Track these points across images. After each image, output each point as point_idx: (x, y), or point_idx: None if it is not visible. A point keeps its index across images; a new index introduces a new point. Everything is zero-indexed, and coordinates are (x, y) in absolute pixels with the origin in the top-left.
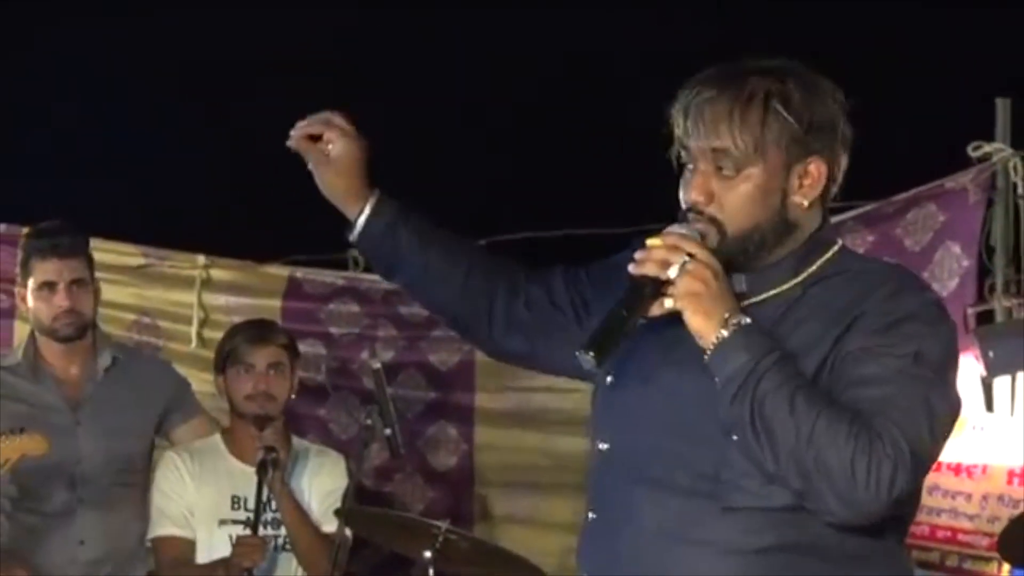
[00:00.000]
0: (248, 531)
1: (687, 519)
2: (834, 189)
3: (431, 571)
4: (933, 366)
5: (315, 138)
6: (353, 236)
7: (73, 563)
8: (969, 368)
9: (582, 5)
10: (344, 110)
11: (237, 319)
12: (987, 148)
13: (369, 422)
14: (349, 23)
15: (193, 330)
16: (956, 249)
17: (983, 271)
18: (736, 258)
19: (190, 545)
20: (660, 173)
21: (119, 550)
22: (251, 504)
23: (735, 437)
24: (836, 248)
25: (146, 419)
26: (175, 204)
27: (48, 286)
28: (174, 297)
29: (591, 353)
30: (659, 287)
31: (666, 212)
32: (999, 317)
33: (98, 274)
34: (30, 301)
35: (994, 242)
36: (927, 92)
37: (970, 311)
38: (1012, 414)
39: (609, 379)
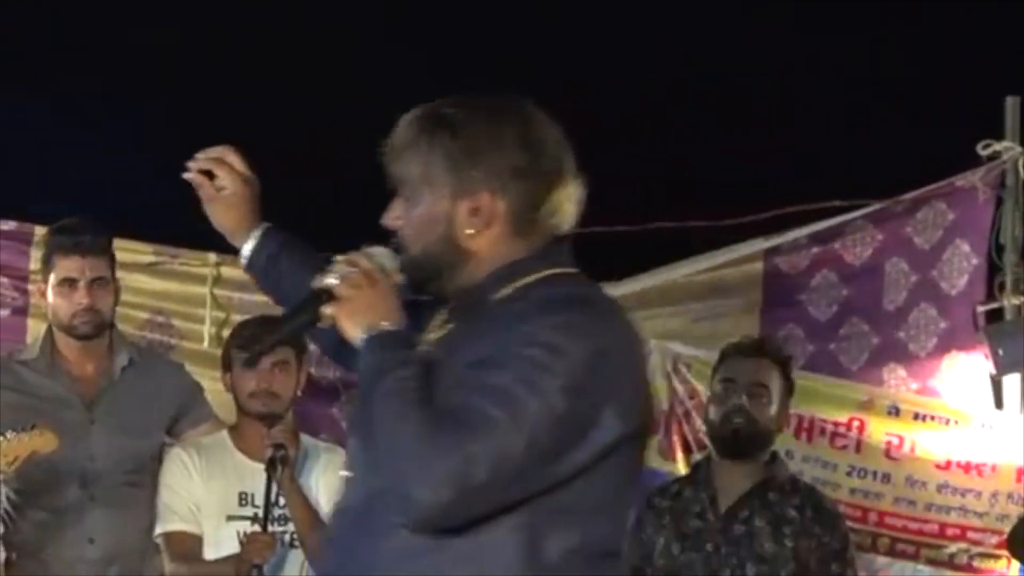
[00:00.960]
0: (257, 527)
1: (366, 542)
2: (550, 221)
3: None
4: (533, 381)
5: (211, 173)
6: (243, 266)
7: (82, 561)
8: (978, 366)
9: None
10: (239, 147)
11: (249, 317)
12: (996, 146)
13: None
14: (366, 17)
15: (206, 328)
16: (966, 247)
17: (993, 269)
18: (429, 281)
19: (198, 540)
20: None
21: (128, 549)
22: (258, 500)
23: (356, 438)
24: (534, 278)
25: (158, 420)
26: (186, 201)
27: (69, 283)
28: (186, 295)
29: (244, 354)
30: (328, 296)
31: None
32: (1008, 315)
33: None
34: (50, 297)
35: (1004, 240)
36: (936, 91)
37: (980, 309)
38: (1021, 412)
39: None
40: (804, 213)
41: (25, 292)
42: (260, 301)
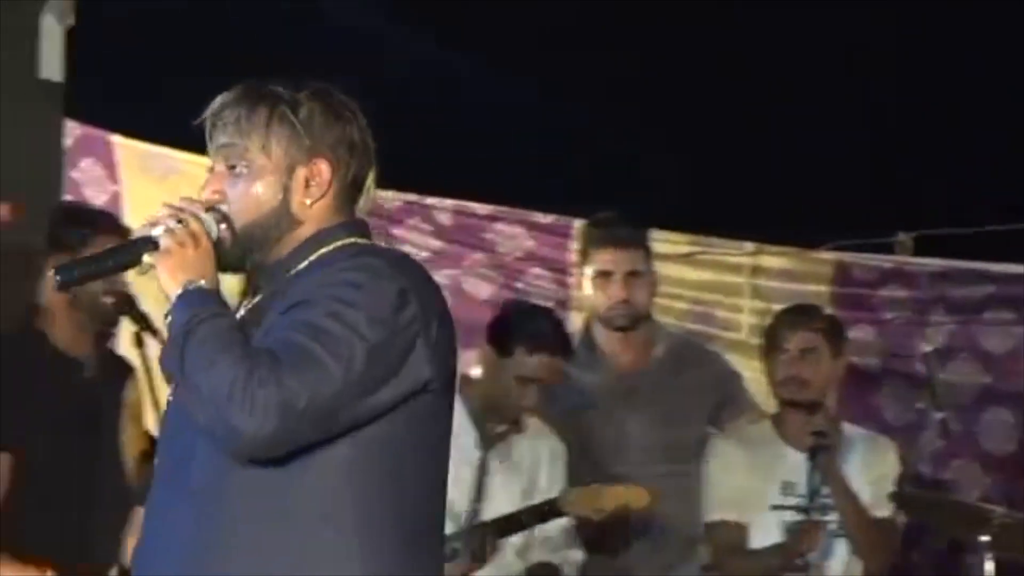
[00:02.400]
0: (800, 517)
1: (165, 510)
2: (361, 198)
3: (989, 557)
4: (343, 320)
5: None
6: None
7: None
8: None
9: None
10: None
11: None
12: None
13: (922, 407)
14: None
15: (744, 318)
16: None
17: None
18: (251, 254)
19: (743, 530)
20: None
21: (672, 537)
22: (801, 490)
23: (176, 384)
24: (340, 243)
25: (699, 410)
26: (721, 192)
27: (604, 275)
28: (725, 285)
29: (58, 276)
30: (152, 245)
31: None
32: None
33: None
34: (587, 289)
35: None
36: None
37: None
38: None
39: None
40: None
41: (565, 285)
42: (802, 290)
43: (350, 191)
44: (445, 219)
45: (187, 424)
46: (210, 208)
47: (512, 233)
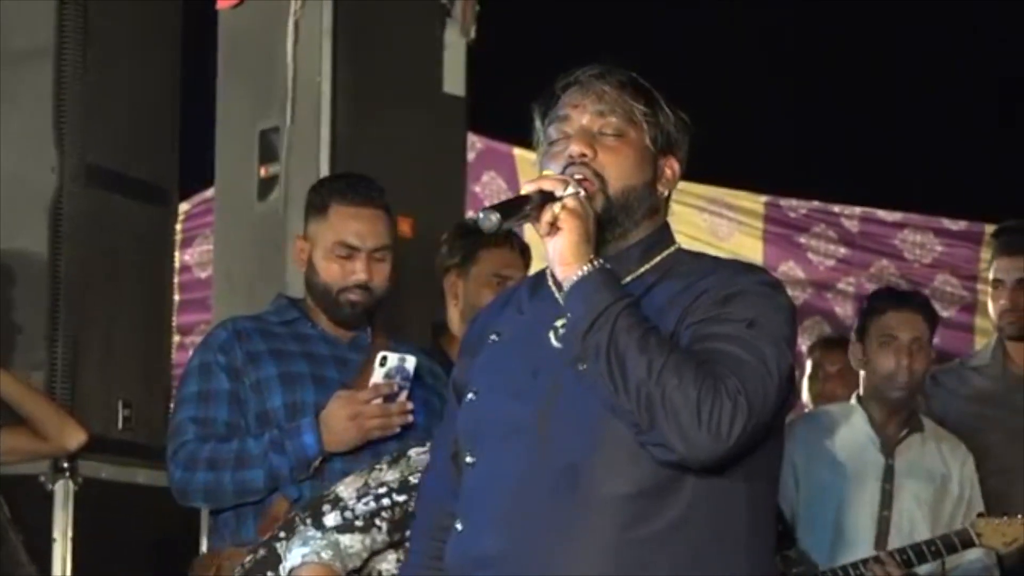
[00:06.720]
0: None
1: (556, 517)
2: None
3: None
4: (768, 332)
5: None
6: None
7: None
8: None
9: None
10: None
11: None
12: None
13: None
14: None
15: None
16: None
17: None
18: (616, 227)
19: None
20: None
21: None
22: None
23: (582, 367)
24: (675, 247)
25: None
26: None
27: (995, 283)
28: None
29: (497, 215)
30: (548, 199)
31: None
32: None
33: None
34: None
35: None
36: None
37: None
38: None
39: (471, 396)
40: None
41: (974, 291)
42: None
43: (671, 193)
44: (852, 226)
45: (580, 409)
46: (577, 165)
47: (921, 240)
